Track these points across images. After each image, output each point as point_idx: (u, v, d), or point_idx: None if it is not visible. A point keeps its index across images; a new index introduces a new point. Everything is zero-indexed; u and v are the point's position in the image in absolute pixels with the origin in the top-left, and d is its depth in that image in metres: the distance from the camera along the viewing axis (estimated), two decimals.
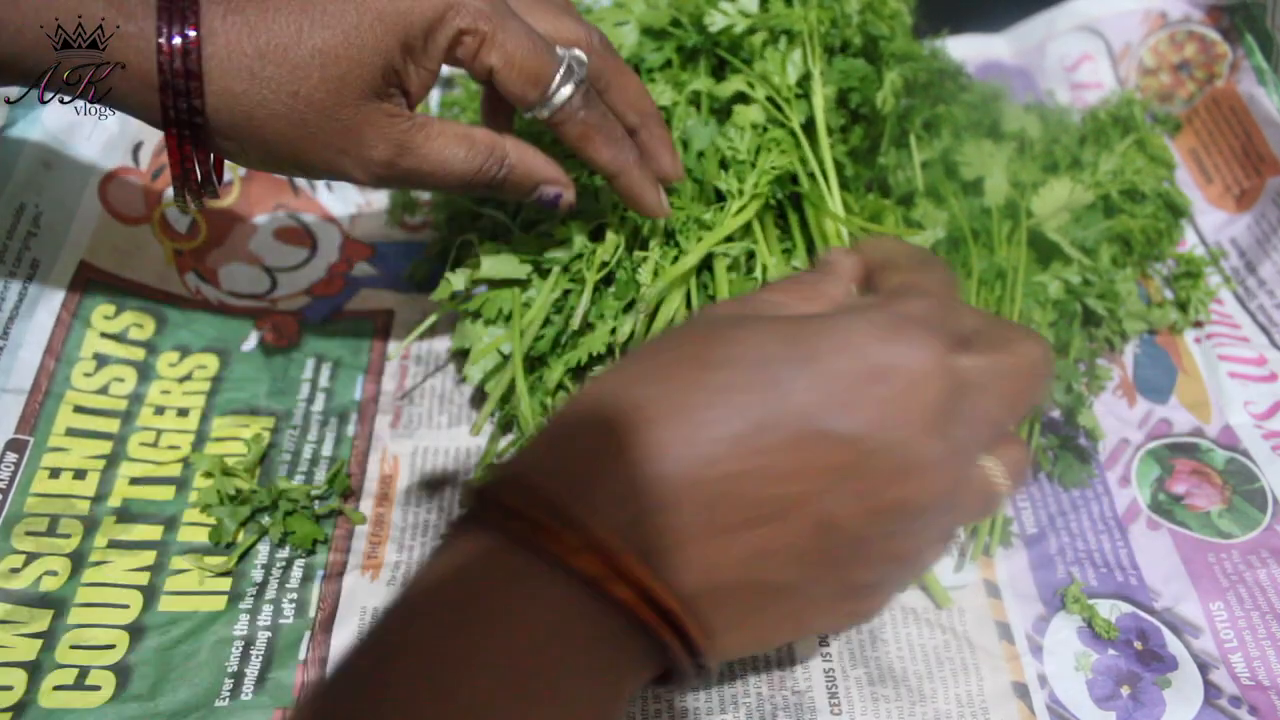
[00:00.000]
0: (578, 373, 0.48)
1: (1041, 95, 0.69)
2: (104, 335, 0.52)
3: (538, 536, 0.26)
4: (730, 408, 0.28)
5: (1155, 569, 0.46)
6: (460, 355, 0.54)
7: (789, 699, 0.41)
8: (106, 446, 0.49)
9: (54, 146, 0.53)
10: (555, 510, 0.26)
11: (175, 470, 0.49)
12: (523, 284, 0.49)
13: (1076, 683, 0.42)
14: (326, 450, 0.51)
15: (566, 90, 0.40)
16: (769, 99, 0.50)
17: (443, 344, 0.56)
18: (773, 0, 0.52)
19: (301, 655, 0.43)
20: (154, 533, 0.47)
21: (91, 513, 0.47)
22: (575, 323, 0.47)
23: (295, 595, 0.45)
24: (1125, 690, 0.42)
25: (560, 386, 0.48)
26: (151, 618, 0.44)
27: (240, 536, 0.47)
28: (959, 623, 0.44)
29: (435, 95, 0.67)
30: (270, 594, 0.45)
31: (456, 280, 0.48)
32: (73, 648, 0.42)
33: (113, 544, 0.46)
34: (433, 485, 0.50)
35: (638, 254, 0.48)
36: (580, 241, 0.48)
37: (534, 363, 0.49)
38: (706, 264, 0.48)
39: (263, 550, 0.47)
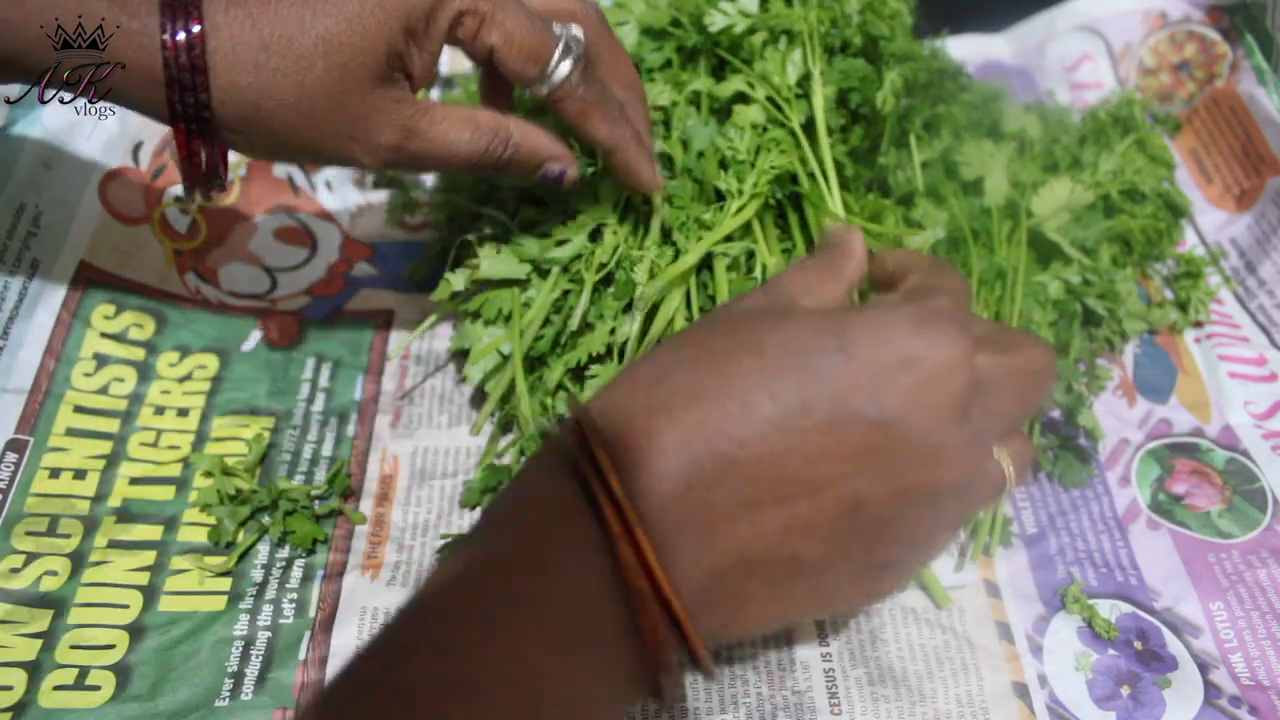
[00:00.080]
0: (577, 373, 0.48)
1: (1041, 95, 0.69)
2: (104, 335, 0.52)
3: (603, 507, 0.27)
4: (768, 393, 0.29)
5: (1155, 569, 0.46)
6: (460, 355, 0.54)
7: (789, 699, 0.41)
8: (106, 446, 0.49)
9: (54, 146, 0.53)
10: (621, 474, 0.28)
11: (175, 470, 0.49)
12: (522, 284, 0.49)
13: (1076, 683, 0.42)
14: (326, 450, 0.51)
15: (565, 67, 0.41)
16: (769, 99, 0.50)
17: (443, 344, 0.56)
18: (773, 0, 0.52)
19: (301, 655, 0.43)
20: (154, 533, 0.47)
21: (91, 513, 0.47)
22: (575, 323, 0.47)
23: (295, 595, 0.45)
24: (1125, 690, 0.42)
25: (560, 386, 0.48)
26: (151, 618, 0.44)
27: (240, 536, 0.47)
28: (959, 623, 0.44)
29: (435, 96, 0.67)
30: (270, 594, 0.45)
31: (456, 280, 0.48)
32: (73, 648, 0.42)
33: (113, 544, 0.46)
34: (433, 485, 0.50)
35: (636, 253, 0.48)
36: (579, 241, 0.48)
37: (534, 363, 0.49)
38: (706, 264, 0.48)
39: (263, 550, 0.47)
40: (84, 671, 0.42)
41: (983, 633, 0.44)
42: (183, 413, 0.51)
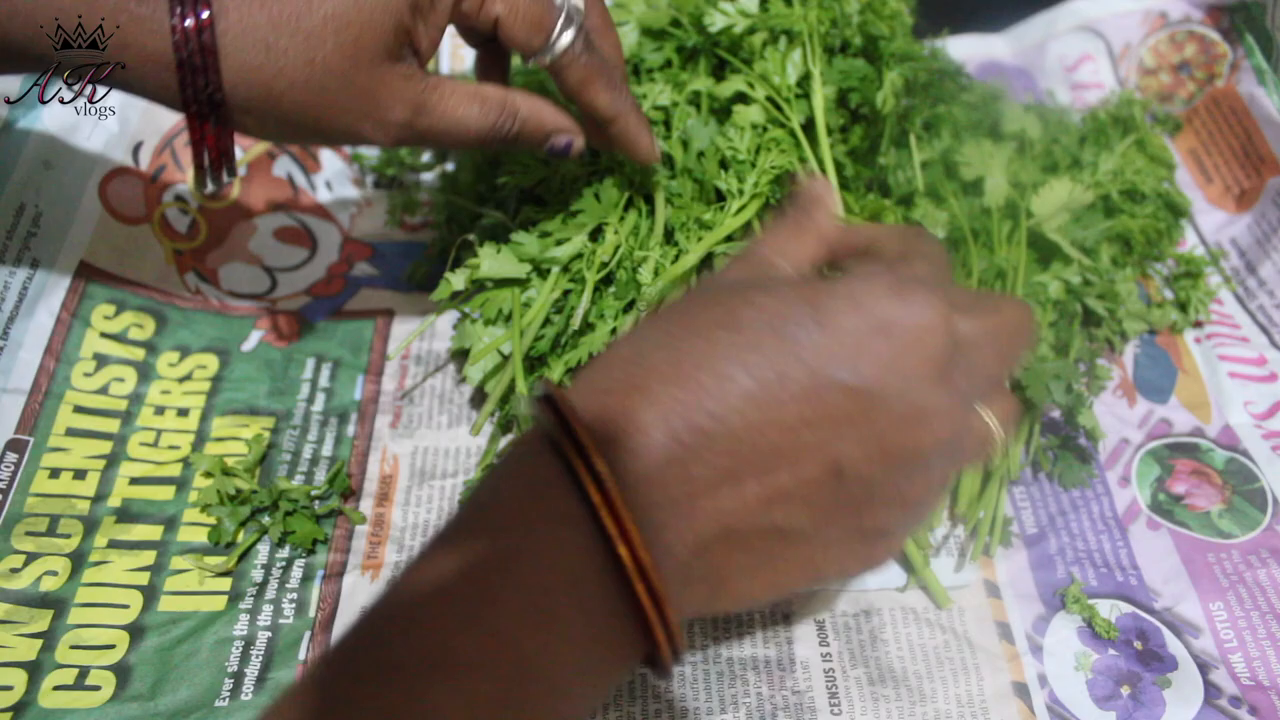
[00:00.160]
0: (578, 372, 0.48)
1: (1041, 95, 0.69)
2: (104, 335, 0.52)
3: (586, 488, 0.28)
4: (744, 366, 0.29)
5: (1155, 569, 0.46)
6: (460, 355, 0.54)
7: (789, 699, 0.41)
8: (106, 446, 0.49)
9: (54, 146, 0.53)
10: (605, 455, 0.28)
11: (175, 470, 0.49)
12: (523, 284, 0.49)
13: (1076, 683, 0.42)
14: (326, 450, 0.51)
15: (568, 36, 0.41)
16: (769, 99, 0.50)
17: (443, 344, 0.56)
18: (773, 0, 0.52)
19: (301, 655, 0.43)
20: (154, 533, 0.47)
21: (91, 513, 0.47)
22: (575, 323, 0.47)
23: (295, 595, 0.45)
24: (1125, 690, 0.42)
25: (560, 386, 0.48)
26: (151, 618, 0.44)
27: (240, 536, 0.47)
28: (959, 623, 0.44)
29: None
30: (270, 594, 0.45)
31: (456, 280, 0.48)
32: (73, 648, 0.42)
33: (113, 544, 0.46)
34: (433, 485, 0.50)
35: (638, 254, 0.48)
36: (580, 241, 0.48)
37: (534, 363, 0.49)
38: (707, 263, 0.48)
39: (263, 550, 0.47)
40: (84, 671, 0.42)
41: (983, 633, 0.44)
42: (183, 413, 0.51)
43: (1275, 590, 0.45)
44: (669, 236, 0.48)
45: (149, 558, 0.46)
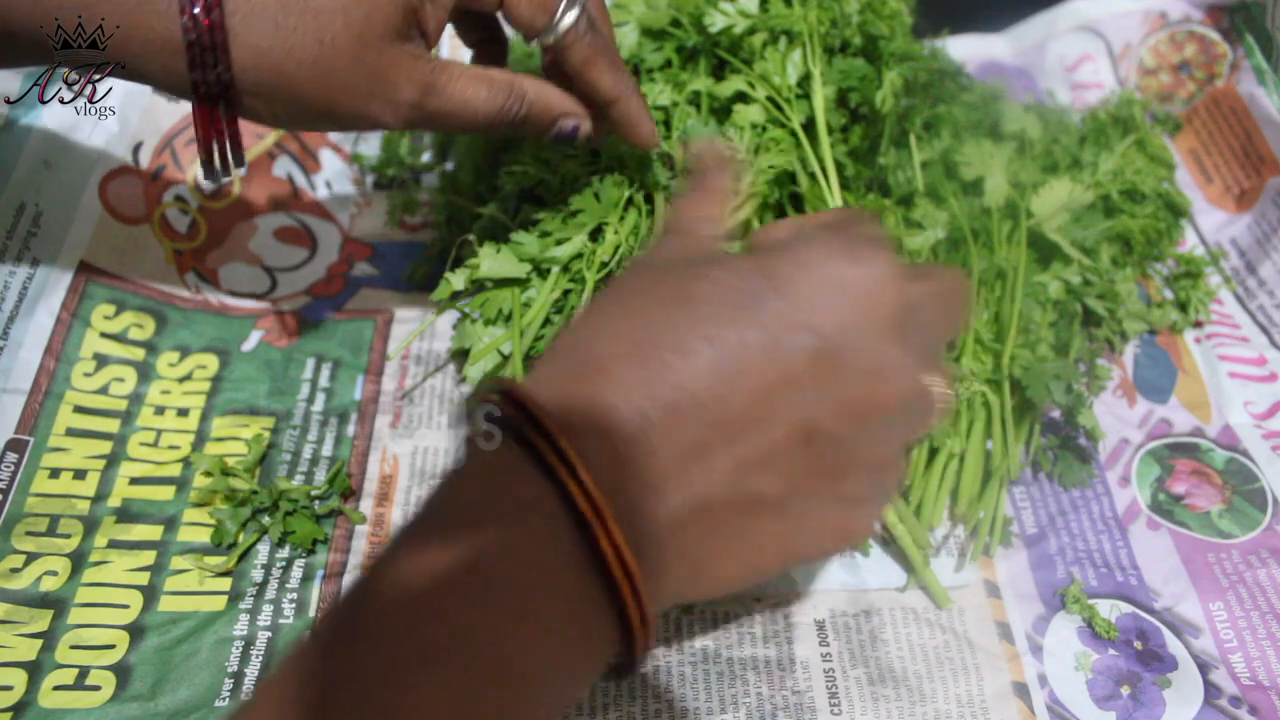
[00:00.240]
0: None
1: (1041, 95, 0.69)
2: (104, 335, 0.52)
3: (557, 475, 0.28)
4: (704, 338, 0.30)
5: (1155, 569, 0.46)
6: (460, 355, 0.54)
7: (789, 699, 0.41)
8: (106, 446, 0.49)
9: (54, 145, 0.53)
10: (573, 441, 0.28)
11: (175, 470, 0.49)
12: (523, 284, 0.49)
13: (1076, 683, 0.42)
14: (326, 450, 0.51)
15: (572, 15, 0.41)
16: (769, 99, 0.50)
17: (443, 344, 0.56)
18: (773, 0, 0.52)
19: None
20: (154, 533, 0.47)
21: (91, 513, 0.47)
22: None
23: (295, 595, 0.45)
24: (1125, 690, 0.42)
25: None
26: (151, 618, 0.44)
27: (240, 536, 0.47)
28: (959, 623, 0.44)
29: None
30: (270, 594, 0.45)
31: (456, 280, 0.48)
32: (73, 648, 0.42)
33: (113, 544, 0.46)
34: (433, 485, 0.50)
35: (638, 253, 0.47)
36: (580, 241, 0.48)
37: (534, 363, 0.49)
38: None
39: (263, 550, 0.47)
40: (84, 671, 0.42)
41: (983, 633, 0.44)
42: (183, 413, 0.51)
43: (1275, 590, 0.45)
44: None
45: (149, 558, 0.46)
